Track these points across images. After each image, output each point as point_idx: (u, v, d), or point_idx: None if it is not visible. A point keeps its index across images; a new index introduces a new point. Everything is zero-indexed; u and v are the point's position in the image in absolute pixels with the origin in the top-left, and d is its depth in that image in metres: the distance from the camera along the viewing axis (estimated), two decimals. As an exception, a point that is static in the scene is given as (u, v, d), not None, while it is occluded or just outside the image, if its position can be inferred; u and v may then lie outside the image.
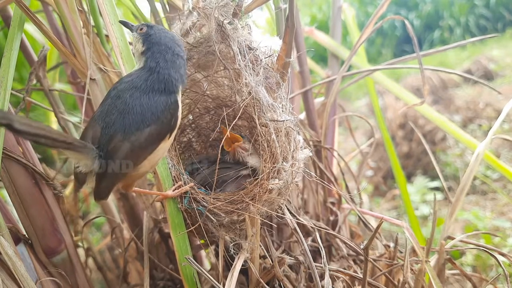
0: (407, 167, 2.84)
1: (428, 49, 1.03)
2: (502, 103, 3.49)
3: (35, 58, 0.95)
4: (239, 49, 0.59)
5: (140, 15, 0.90)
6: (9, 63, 0.61)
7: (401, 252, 0.88)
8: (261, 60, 0.61)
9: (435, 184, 2.55)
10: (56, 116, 0.96)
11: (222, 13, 0.60)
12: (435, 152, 2.88)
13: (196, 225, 0.64)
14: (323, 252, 0.70)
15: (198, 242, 0.89)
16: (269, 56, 0.63)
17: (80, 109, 1.25)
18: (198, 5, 0.62)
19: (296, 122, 0.63)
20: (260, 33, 0.64)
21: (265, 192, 0.60)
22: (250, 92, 0.58)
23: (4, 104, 0.61)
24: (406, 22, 0.82)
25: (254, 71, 0.59)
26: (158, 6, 0.89)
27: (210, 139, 0.86)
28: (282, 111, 0.61)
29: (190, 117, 0.79)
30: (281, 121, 0.59)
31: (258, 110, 0.59)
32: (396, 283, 0.84)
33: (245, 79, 0.59)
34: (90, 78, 0.72)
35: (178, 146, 0.72)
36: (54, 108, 0.95)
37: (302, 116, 1.02)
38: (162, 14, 0.88)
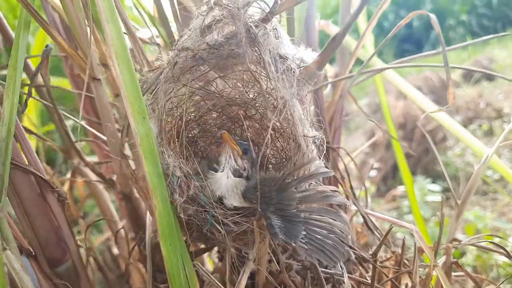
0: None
1: (429, 50, 0.98)
2: (502, 103, 3.49)
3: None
4: (270, 59, 0.55)
5: (142, 7, 0.87)
6: (16, 63, 0.57)
7: (407, 260, 0.87)
8: (294, 70, 0.57)
9: (435, 184, 2.55)
10: (57, 115, 0.94)
11: (249, 16, 0.56)
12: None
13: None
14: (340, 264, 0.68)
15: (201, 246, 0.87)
16: (302, 67, 0.59)
17: (79, 106, 1.23)
18: (221, 1, 0.56)
19: (321, 138, 0.59)
20: (289, 39, 0.60)
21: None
22: (284, 107, 0.54)
23: (12, 107, 0.58)
24: (432, 16, 0.73)
25: (288, 82, 0.56)
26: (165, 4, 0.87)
27: (215, 136, 0.83)
28: (309, 125, 0.58)
29: (197, 112, 0.75)
30: (312, 137, 0.56)
31: (291, 125, 0.55)
32: (403, 287, 0.83)
33: (280, 93, 0.54)
34: (95, 78, 0.70)
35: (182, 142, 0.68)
36: (55, 106, 0.93)
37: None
38: (167, 10, 0.85)
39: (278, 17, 0.62)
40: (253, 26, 0.55)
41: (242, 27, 0.54)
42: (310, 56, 0.60)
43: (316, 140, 0.58)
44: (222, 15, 0.56)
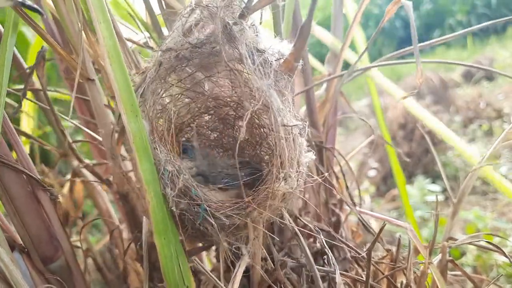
0: (407, 167, 2.82)
1: (428, 49, 0.98)
2: (502, 103, 3.49)
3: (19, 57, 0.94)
4: (247, 52, 0.57)
5: (135, 14, 0.88)
6: (3, 67, 0.58)
7: (403, 258, 0.87)
8: (271, 63, 0.59)
9: (435, 184, 2.55)
10: (54, 116, 0.95)
11: (228, 14, 0.57)
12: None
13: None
14: (330, 254, 0.69)
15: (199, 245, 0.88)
16: (279, 59, 0.60)
17: (76, 108, 1.24)
18: (202, 2, 0.59)
19: (304, 127, 0.61)
20: (267, 35, 0.62)
21: (271, 198, 0.59)
22: (261, 97, 0.56)
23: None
24: (407, 3, 0.79)
25: (265, 74, 0.57)
26: (155, 5, 0.88)
27: (210, 139, 0.84)
28: (291, 116, 0.59)
29: (189, 116, 0.77)
30: (292, 126, 0.57)
31: (269, 115, 0.57)
32: (398, 285, 0.83)
33: (256, 84, 0.56)
34: (89, 79, 0.71)
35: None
36: (51, 108, 0.93)
37: (302, 111, 1.00)
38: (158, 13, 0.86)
39: (260, 14, 0.64)
40: (230, 22, 0.57)
41: (219, 23, 0.56)
42: (286, 47, 0.61)
43: (301, 131, 0.59)
44: (203, 14, 0.58)
